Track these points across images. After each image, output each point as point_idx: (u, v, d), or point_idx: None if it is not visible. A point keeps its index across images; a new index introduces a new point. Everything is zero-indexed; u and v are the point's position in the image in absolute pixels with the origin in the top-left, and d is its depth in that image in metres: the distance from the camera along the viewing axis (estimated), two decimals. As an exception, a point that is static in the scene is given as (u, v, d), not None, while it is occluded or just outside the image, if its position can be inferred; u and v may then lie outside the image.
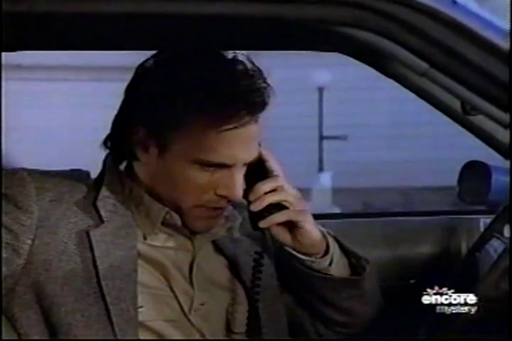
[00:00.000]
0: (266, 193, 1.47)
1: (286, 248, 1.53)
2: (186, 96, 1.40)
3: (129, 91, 1.48)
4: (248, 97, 1.40)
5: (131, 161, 1.48)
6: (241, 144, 1.42)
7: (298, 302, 1.60)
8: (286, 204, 1.49)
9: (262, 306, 1.53)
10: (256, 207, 1.47)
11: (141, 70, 1.48)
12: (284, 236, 1.51)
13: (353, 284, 1.56)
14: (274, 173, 1.50)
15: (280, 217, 1.48)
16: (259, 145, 1.49)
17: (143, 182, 1.48)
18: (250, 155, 1.45)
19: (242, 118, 1.40)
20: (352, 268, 1.57)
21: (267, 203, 1.47)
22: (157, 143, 1.43)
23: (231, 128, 1.40)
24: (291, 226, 1.50)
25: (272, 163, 1.50)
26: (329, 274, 1.54)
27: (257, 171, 1.49)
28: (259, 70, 1.45)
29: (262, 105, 1.43)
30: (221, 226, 1.53)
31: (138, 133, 1.44)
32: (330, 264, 1.54)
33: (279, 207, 1.48)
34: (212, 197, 1.44)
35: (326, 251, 1.53)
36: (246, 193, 1.48)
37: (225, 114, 1.39)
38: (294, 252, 1.53)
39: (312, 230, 1.51)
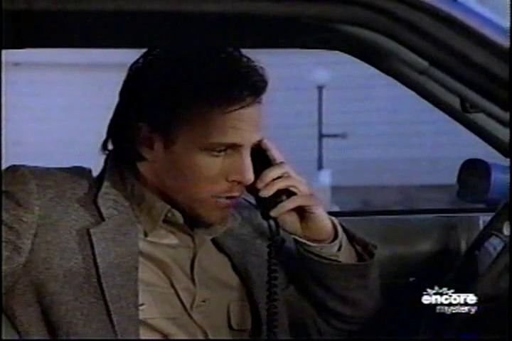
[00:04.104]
0: (274, 180, 1.48)
1: (294, 237, 1.54)
2: (187, 84, 1.41)
3: (124, 90, 1.49)
4: (249, 78, 1.42)
5: (135, 161, 1.48)
6: (247, 125, 1.43)
7: (302, 296, 1.61)
8: (294, 190, 1.49)
9: (264, 304, 1.53)
10: (265, 193, 1.48)
11: (134, 69, 1.48)
12: (292, 224, 1.52)
13: (361, 271, 1.56)
14: (279, 161, 1.50)
15: (290, 203, 1.49)
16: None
17: (146, 180, 1.47)
18: (256, 136, 1.46)
19: (246, 98, 1.42)
20: (358, 256, 1.57)
21: (276, 189, 1.48)
22: (162, 138, 1.43)
23: (236, 109, 1.41)
24: (301, 212, 1.51)
25: (274, 152, 1.51)
26: (338, 260, 1.54)
27: (261, 161, 1.49)
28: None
29: (264, 85, 1.45)
30: (221, 224, 1.52)
31: (141, 131, 1.44)
32: (339, 250, 1.54)
33: (287, 193, 1.49)
34: (225, 185, 1.45)
35: (335, 237, 1.54)
36: (250, 185, 1.48)
37: (229, 96, 1.41)
38: (304, 240, 1.53)
39: (322, 214, 1.52)
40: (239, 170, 1.44)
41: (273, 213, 1.49)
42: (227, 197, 1.46)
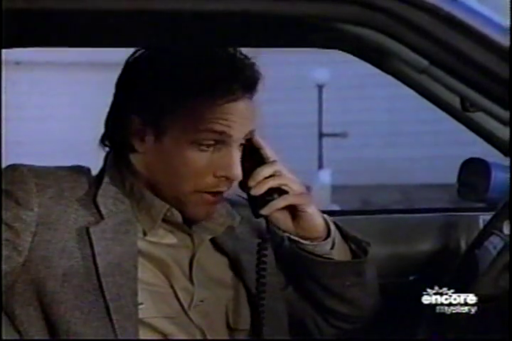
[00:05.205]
0: (266, 178, 1.48)
1: (287, 235, 1.54)
2: (178, 77, 1.42)
3: (119, 83, 1.50)
4: (240, 72, 1.43)
5: (129, 154, 1.48)
6: (237, 117, 1.44)
7: (300, 295, 1.61)
8: (286, 189, 1.50)
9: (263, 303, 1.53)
10: (256, 191, 1.48)
11: (129, 61, 1.49)
12: (285, 222, 1.52)
13: (356, 269, 1.57)
14: (271, 159, 1.51)
15: (281, 202, 1.49)
16: (253, 134, 1.49)
17: (142, 175, 1.48)
18: (246, 129, 1.46)
19: (236, 92, 1.42)
20: (353, 254, 1.58)
21: (268, 187, 1.48)
22: (153, 130, 1.44)
23: (226, 102, 1.42)
24: (293, 210, 1.51)
25: (267, 150, 1.52)
26: (331, 258, 1.54)
27: (254, 159, 1.50)
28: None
29: (255, 80, 1.45)
30: (220, 224, 1.53)
31: (133, 123, 1.45)
32: (332, 248, 1.55)
33: (279, 191, 1.49)
34: (212, 180, 1.45)
35: (328, 235, 1.54)
36: (243, 183, 1.48)
37: (219, 89, 1.41)
38: (296, 238, 1.53)
39: (314, 213, 1.52)
40: (227, 166, 1.44)
41: (263, 211, 1.49)
42: (214, 193, 1.46)
